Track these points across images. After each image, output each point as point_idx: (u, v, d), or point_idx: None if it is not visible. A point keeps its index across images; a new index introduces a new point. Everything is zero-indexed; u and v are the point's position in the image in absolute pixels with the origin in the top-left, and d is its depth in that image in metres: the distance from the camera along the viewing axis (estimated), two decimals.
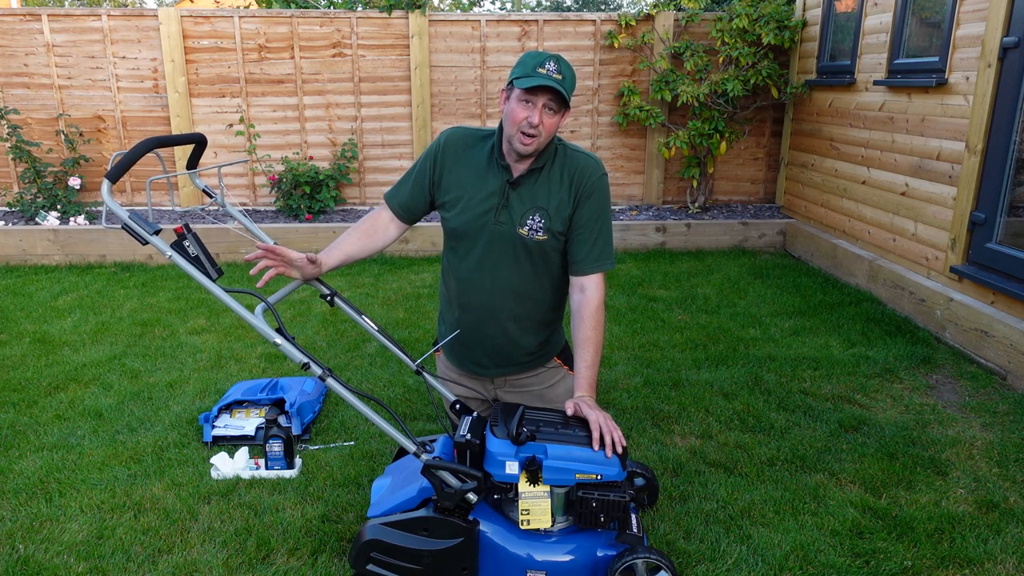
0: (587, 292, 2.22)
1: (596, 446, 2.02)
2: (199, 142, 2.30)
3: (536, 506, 2.08)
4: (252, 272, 2.16)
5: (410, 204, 2.36)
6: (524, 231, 2.20)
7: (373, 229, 2.38)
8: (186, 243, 2.04)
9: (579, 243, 2.22)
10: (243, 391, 3.38)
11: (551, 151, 2.23)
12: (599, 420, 2.05)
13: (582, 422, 2.21)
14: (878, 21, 5.26)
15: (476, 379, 2.50)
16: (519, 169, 2.22)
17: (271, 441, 2.91)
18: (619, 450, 2.04)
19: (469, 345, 2.40)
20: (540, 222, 2.20)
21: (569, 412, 2.12)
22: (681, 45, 6.73)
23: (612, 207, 7.15)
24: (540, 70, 2.05)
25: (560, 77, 2.07)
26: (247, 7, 7.64)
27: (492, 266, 2.27)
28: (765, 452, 3.08)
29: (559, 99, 2.09)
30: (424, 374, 2.43)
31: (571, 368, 2.55)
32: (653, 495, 2.59)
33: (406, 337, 4.42)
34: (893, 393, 3.65)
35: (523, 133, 2.10)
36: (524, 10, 21.67)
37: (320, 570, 2.37)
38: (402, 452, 2.51)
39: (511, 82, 2.12)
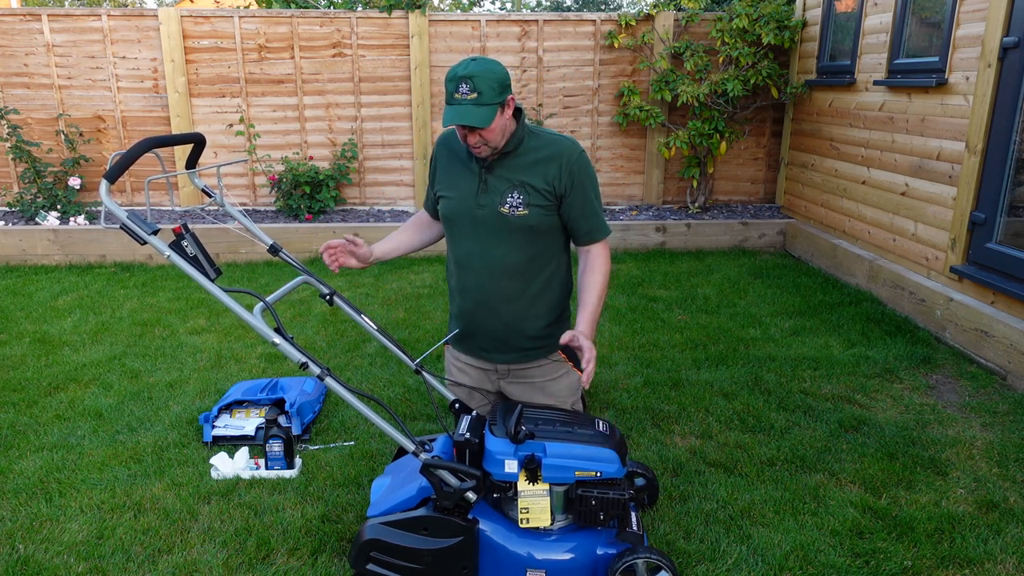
0: (592, 253, 2.38)
1: (587, 379, 2.11)
2: (198, 142, 2.30)
3: (535, 504, 2.08)
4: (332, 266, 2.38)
5: (434, 207, 2.53)
6: (505, 209, 2.28)
7: (424, 223, 2.59)
8: (184, 243, 2.04)
9: (579, 220, 2.36)
10: (243, 391, 3.38)
11: (518, 136, 2.30)
12: (592, 352, 2.14)
13: (582, 421, 2.21)
14: (878, 21, 5.26)
15: (481, 370, 2.52)
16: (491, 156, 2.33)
17: (271, 441, 2.91)
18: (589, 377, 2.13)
19: (472, 330, 2.46)
20: (520, 199, 2.29)
21: (564, 340, 2.19)
22: (681, 45, 6.73)
23: (612, 207, 7.18)
24: (456, 95, 2.12)
25: (476, 95, 2.11)
26: (247, 7, 7.64)
27: (481, 249, 2.35)
28: (765, 452, 3.08)
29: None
30: (424, 374, 2.43)
31: (575, 364, 2.58)
32: (653, 495, 2.59)
33: (406, 337, 4.42)
34: (893, 393, 3.65)
35: (472, 147, 2.22)
36: (524, 10, 21.68)
37: (320, 570, 2.37)
38: (402, 452, 2.52)
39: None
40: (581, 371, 2.56)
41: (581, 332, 2.22)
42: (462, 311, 2.45)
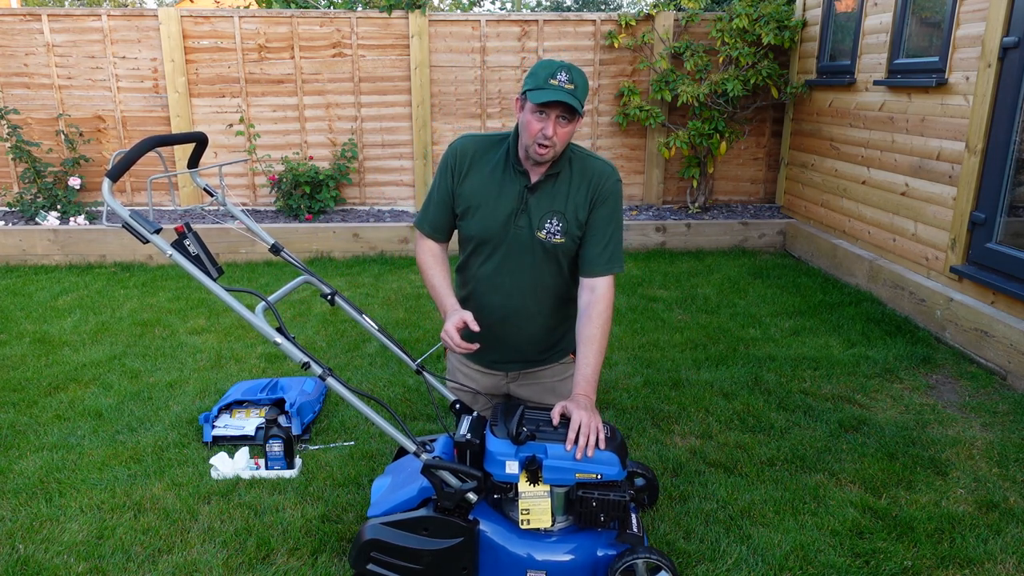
0: (597, 292, 2.24)
1: (568, 446, 2.02)
2: (200, 141, 2.30)
3: (536, 506, 2.08)
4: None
5: (442, 224, 2.39)
6: (543, 235, 2.25)
7: (442, 255, 2.40)
8: (187, 242, 2.04)
9: (591, 245, 2.27)
10: (243, 391, 3.38)
11: (566, 157, 2.28)
12: (581, 419, 2.04)
13: None
14: (878, 21, 5.26)
15: (491, 375, 2.50)
16: (537, 174, 2.26)
17: (271, 441, 2.90)
18: (590, 453, 2.01)
19: (490, 345, 2.39)
20: (558, 226, 2.25)
21: (555, 417, 2.09)
22: (681, 45, 6.73)
23: None
24: (552, 81, 2.08)
25: (572, 87, 2.10)
26: (247, 7, 7.64)
27: (511, 269, 2.31)
28: (765, 452, 3.08)
29: (572, 109, 2.13)
30: (424, 374, 2.43)
31: None
32: (653, 495, 2.59)
33: (406, 337, 4.42)
34: (893, 393, 3.65)
35: (539, 144, 2.14)
36: (524, 10, 21.67)
37: (320, 570, 2.37)
38: (402, 452, 2.52)
39: (525, 93, 2.15)
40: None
41: (575, 399, 2.11)
42: (480, 324, 2.33)
